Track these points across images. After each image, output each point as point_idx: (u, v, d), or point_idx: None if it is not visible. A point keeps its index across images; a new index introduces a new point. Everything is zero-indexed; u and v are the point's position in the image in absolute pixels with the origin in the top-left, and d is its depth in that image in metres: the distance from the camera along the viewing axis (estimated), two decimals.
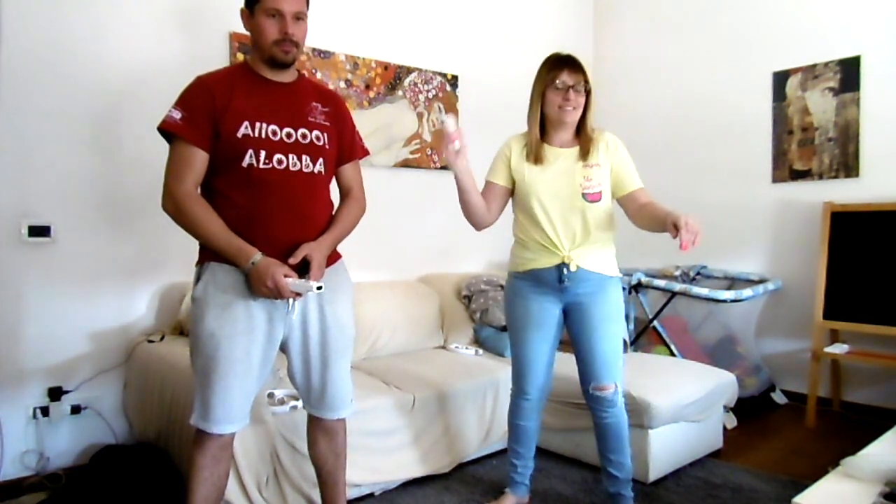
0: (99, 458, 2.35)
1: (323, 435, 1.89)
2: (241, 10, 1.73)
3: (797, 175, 3.65)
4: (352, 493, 2.35)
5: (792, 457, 2.84)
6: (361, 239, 3.39)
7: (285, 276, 1.60)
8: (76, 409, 2.54)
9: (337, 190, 1.91)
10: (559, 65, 2.07)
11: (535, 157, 2.11)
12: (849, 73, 3.43)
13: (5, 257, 2.42)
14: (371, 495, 2.42)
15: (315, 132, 1.74)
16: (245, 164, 1.64)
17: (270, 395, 2.24)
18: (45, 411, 2.48)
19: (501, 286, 3.48)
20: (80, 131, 2.55)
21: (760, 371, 3.63)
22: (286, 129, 1.69)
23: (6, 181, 2.42)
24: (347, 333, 1.84)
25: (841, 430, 3.20)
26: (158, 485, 2.15)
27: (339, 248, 1.88)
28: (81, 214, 2.57)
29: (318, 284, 1.60)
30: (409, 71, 3.59)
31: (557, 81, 2.05)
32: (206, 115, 1.62)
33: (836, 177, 3.50)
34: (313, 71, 3.18)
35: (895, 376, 3.29)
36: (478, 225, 2.20)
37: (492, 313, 3.32)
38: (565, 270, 2.07)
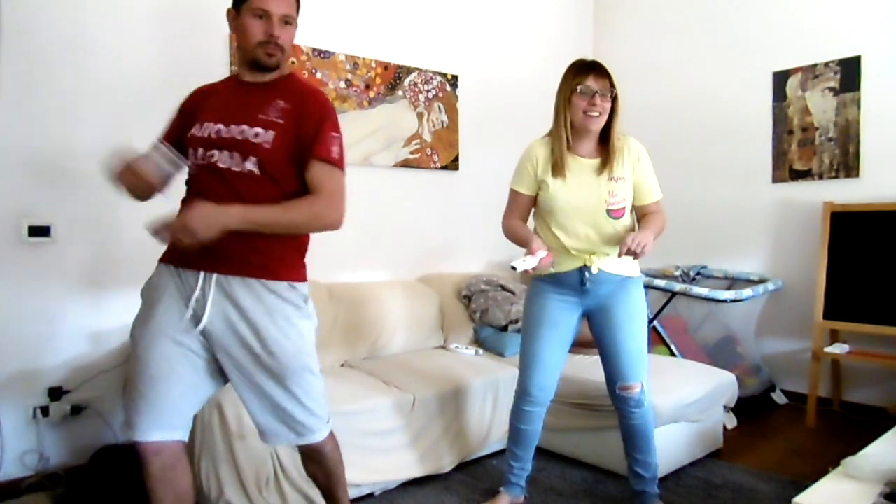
0: (99, 458, 2.35)
1: (307, 459, 1.79)
2: (228, 11, 1.69)
3: (797, 175, 3.65)
4: (352, 493, 2.34)
5: (792, 457, 2.84)
6: (362, 239, 3.42)
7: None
8: (76, 409, 2.54)
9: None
10: (584, 70, 2.04)
11: (558, 168, 2.07)
12: (849, 73, 3.43)
13: (5, 257, 2.42)
14: (371, 495, 2.42)
15: (256, 129, 1.62)
16: (191, 161, 1.67)
17: None
18: (45, 411, 2.48)
19: (502, 286, 3.48)
20: (81, 131, 2.55)
21: (760, 371, 3.63)
22: (229, 127, 1.64)
23: (6, 181, 2.41)
24: (283, 361, 1.62)
25: (841, 430, 3.20)
26: None
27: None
28: (81, 214, 2.57)
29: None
30: (409, 71, 3.59)
31: (582, 87, 2.01)
32: (181, 117, 1.74)
33: (836, 177, 3.50)
34: (313, 71, 3.18)
35: (895, 376, 3.29)
36: None
37: (492, 313, 3.32)
38: (587, 273, 2.07)
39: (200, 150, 1.64)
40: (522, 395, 2.23)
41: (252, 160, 1.62)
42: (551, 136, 2.12)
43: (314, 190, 1.67)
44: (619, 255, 1.95)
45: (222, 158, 1.62)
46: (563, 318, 2.14)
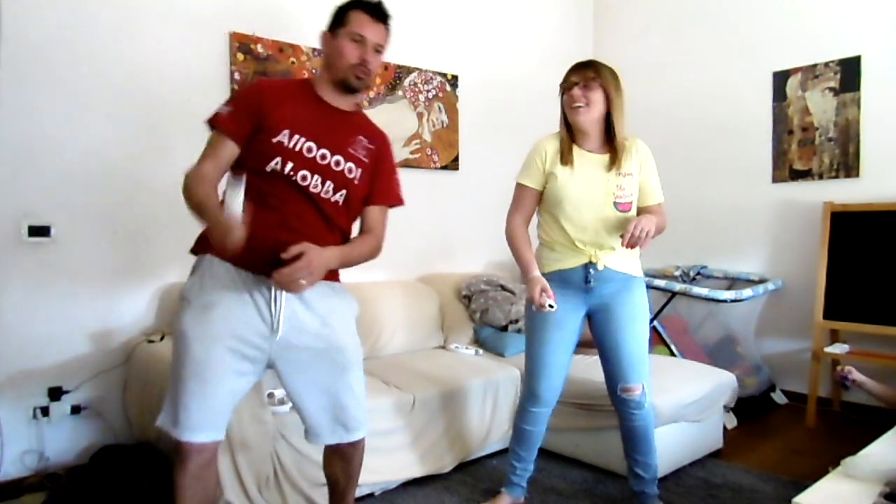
0: (99, 457, 2.35)
1: (338, 458, 1.82)
2: (322, 33, 1.75)
3: (797, 175, 3.65)
4: None
5: (792, 457, 2.84)
6: None
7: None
8: (76, 409, 2.54)
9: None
10: (571, 68, 2.07)
11: (567, 158, 2.07)
12: (849, 73, 3.43)
13: (5, 257, 2.42)
14: (371, 495, 2.42)
15: (349, 164, 1.70)
16: (269, 168, 1.61)
17: (270, 395, 2.24)
18: (45, 411, 2.48)
19: (502, 286, 3.48)
20: (81, 130, 2.55)
21: (760, 371, 3.63)
22: (322, 150, 1.66)
23: (6, 181, 2.42)
24: (348, 356, 1.73)
25: (841, 430, 3.20)
26: (158, 485, 2.15)
27: None
28: (81, 214, 2.57)
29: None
30: (409, 71, 3.59)
31: (565, 82, 2.06)
32: (250, 113, 1.63)
33: (836, 177, 3.50)
34: (313, 71, 3.18)
35: (895, 376, 3.29)
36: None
37: (492, 313, 3.32)
38: (592, 270, 2.06)
39: (290, 165, 1.61)
40: (530, 397, 2.21)
41: (342, 193, 1.70)
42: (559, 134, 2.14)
43: (372, 227, 1.82)
44: (623, 244, 1.93)
45: (315, 183, 1.65)
46: (567, 320, 2.12)
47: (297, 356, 1.67)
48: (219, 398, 1.61)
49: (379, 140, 1.82)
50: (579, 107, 2.02)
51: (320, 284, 1.64)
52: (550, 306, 1.96)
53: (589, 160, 2.08)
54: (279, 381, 1.72)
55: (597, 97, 2.02)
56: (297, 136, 1.63)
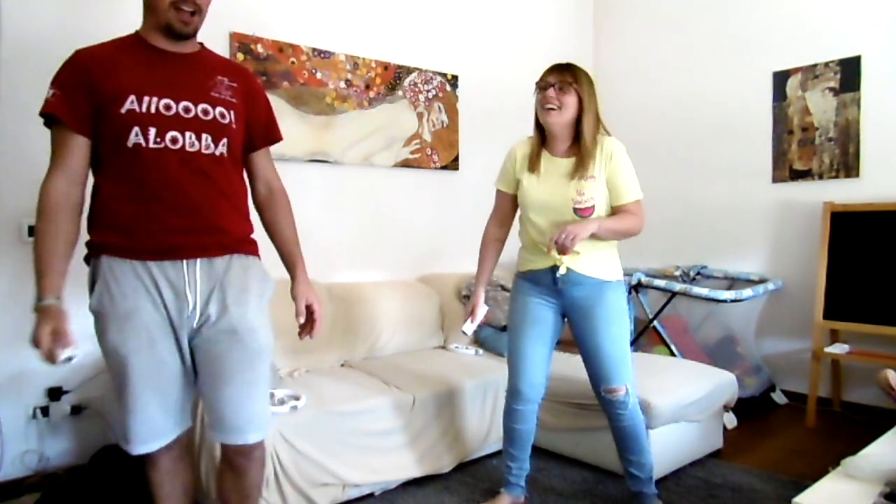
0: (99, 458, 2.35)
1: (229, 471, 1.63)
2: None
3: (797, 175, 3.65)
4: (352, 493, 2.35)
5: (792, 457, 2.84)
6: (361, 239, 3.42)
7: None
8: (76, 409, 2.54)
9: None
10: (549, 69, 2.08)
11: (533, 165, 2.12)
12: (849, 73, 3.43)
13: (5, 257, 2.42)
14: (371, 495, 2.42)
15: (219, 108, 1.51)
16: (130, 143, 1.43)
17: (270, 395, 2.23)
18: (45, 411, 2.48)
19: (501, 286, 3.48)
20: None
21: (760, 371, 3.63)
22: (183, 103, 1.46)
23: (6, 181, 2.42)
24: (258, 340, 1.56)
25: (841, 430, 3.20)
26: None
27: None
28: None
29: (67, 355, 1.37)
30: (409, 71, 3.59)
31: (541, 82, 2.07)
32: (82, 92, 1.42)
33: (836, 177, 3.50)
34: (313, 71, 3.18)
35: None
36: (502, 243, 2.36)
37: (492, 313, 3.32)
38: (557, 273, 2.08)
39: (154, 130, 1.43)
40: (513, 393, 2.23)
41: (224, 142, 1.53)
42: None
43: (270, 180, 1.72)
44: (547, 251, 2.02)
45: (191, 141, 1.47)
46: (542, 315, 2.16)
47: (211, 339, 1.52)
48: (176, 399, 1.54)
49: (241, 75, 1.62)
50: (552, 109, 2.03)
51: (237, 261, 1.55)
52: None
53: (555, 166, 2.10)
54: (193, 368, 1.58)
55: (570, 101, 2.03)
56: (147, 98, 1.43)
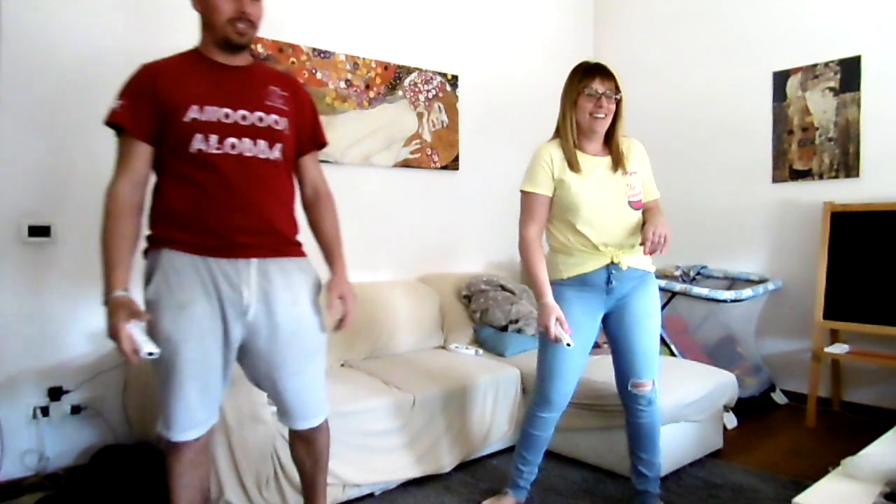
0: (99, 458, 2.35)
1: (300, 441, 1.82)
2: None
3: (797, 175, 3.65)
4: (352, 493, 2.35)
5: (792, 457, 2.84)
6: (361, 239, 3.42)
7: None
8: (76, 409, 2.54)
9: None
10: (591, 73, 2.05)
11: (573, 165, 2.07)
12: (849, 73, 3.43)
13: (5, 257, 2.42)
14: (371, 495, 2.42)
15: (272, 116, 1.65)
16: (193, 148, 1.55)
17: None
18: (45, 411, 2.48)
19: (502, 286, 3.48)
20: (82, 131, 2.55)
21: (760, 371, 3.63)
22: (240, 112, 1.60)
23: (6, 181, 2.42)
24: (315, 337, 1.74)
25: (841, 430, 3.20)
26: (158, 485, 2.15)
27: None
28: (81, 214, 2.56)
29: (150, 350, 1.45)
30: (409, 71, 3.59)
31: (589, 89, 2.03)
32: (148, 102, 1.55)
33: (836, 177, 3.50)
34: (313, 71, 3.18)
35: (895, 376, 3.29)
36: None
37: (492, 313, 3.32)
38: (614, 271, 2.06)
39: (215, 137, 1.56)
40: (543, 402, 2.18)
41: (278, 147, 1.66)
42: (559, 138, 2.12)
43: (317, 182, 1.84)
44: (645, 252, 2.00)
45: (249, 147, 1.60)
46: (586, 324, 2.11)
47: (269, 338, 1.65)
48: (209, 394, 1.63)
49: (290, 85, 1.76)
50: (602, 117, 2.04)
51: (289, 262, 1.69)
52: (568, 344, 1.95)
53: (595, 164, 2.10)
54: (250, 364, 1.70)
55: (613, 107, 2.06)
56: (208, 107, 1.56)
